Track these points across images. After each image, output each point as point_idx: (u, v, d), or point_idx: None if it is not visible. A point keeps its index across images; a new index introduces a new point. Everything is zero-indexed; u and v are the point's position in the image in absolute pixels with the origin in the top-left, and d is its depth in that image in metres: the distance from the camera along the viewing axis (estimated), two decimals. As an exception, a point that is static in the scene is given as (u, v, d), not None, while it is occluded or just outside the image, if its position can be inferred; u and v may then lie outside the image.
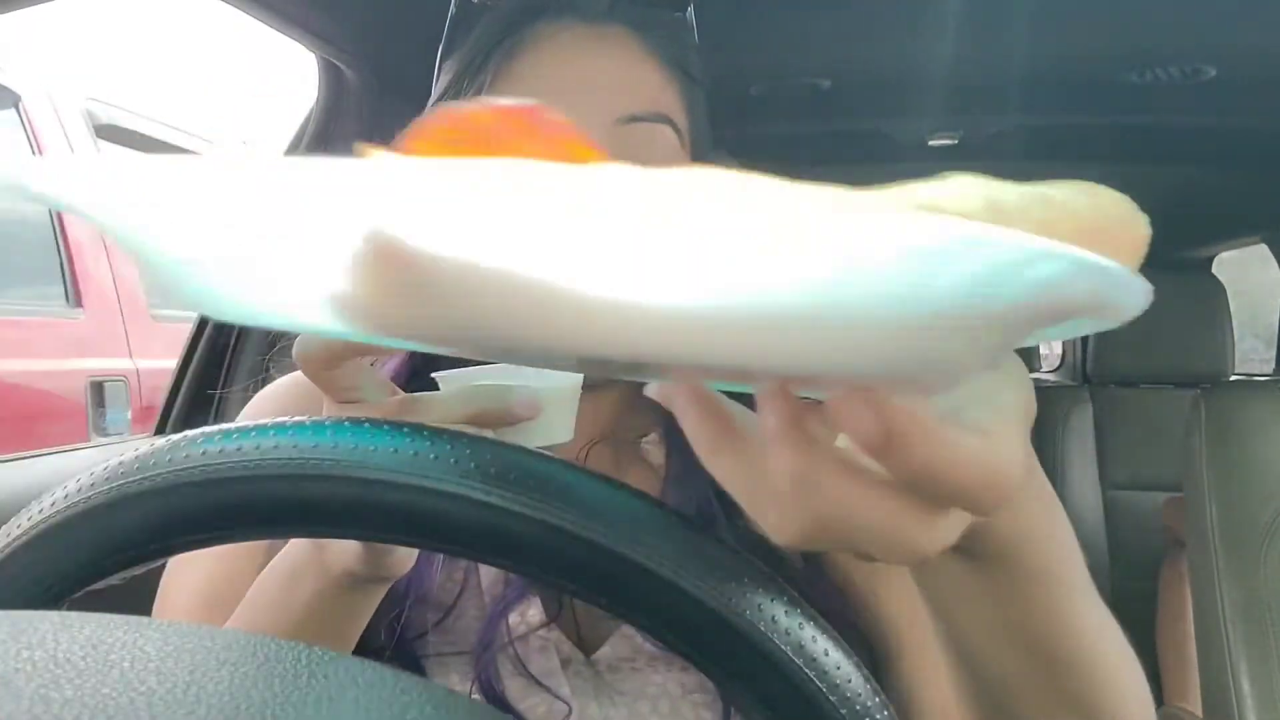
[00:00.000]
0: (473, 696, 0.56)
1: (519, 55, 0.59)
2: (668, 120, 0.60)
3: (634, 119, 0.58)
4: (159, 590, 0.62)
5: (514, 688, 0.57)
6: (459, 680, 0.57)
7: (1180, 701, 1.54)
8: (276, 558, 0.49)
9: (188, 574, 0.61)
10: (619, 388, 0.64)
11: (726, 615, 0.29)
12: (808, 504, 0.25)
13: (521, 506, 0.29)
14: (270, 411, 0.64)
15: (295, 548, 0.47)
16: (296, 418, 0.31)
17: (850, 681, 0.30)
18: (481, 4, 0.62)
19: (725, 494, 0.33)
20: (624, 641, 0.60)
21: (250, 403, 0.66)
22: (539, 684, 0.57)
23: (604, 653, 0.60)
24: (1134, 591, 1.80)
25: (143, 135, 2.91)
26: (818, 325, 0.18)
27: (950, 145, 1.79)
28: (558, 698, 0.57)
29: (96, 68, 2.93)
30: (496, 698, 0.56)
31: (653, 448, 0.66)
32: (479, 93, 0.59)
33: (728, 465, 0.27)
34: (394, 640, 0.56)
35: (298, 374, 0.66)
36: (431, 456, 0.29)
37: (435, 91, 0.64)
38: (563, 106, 0.55)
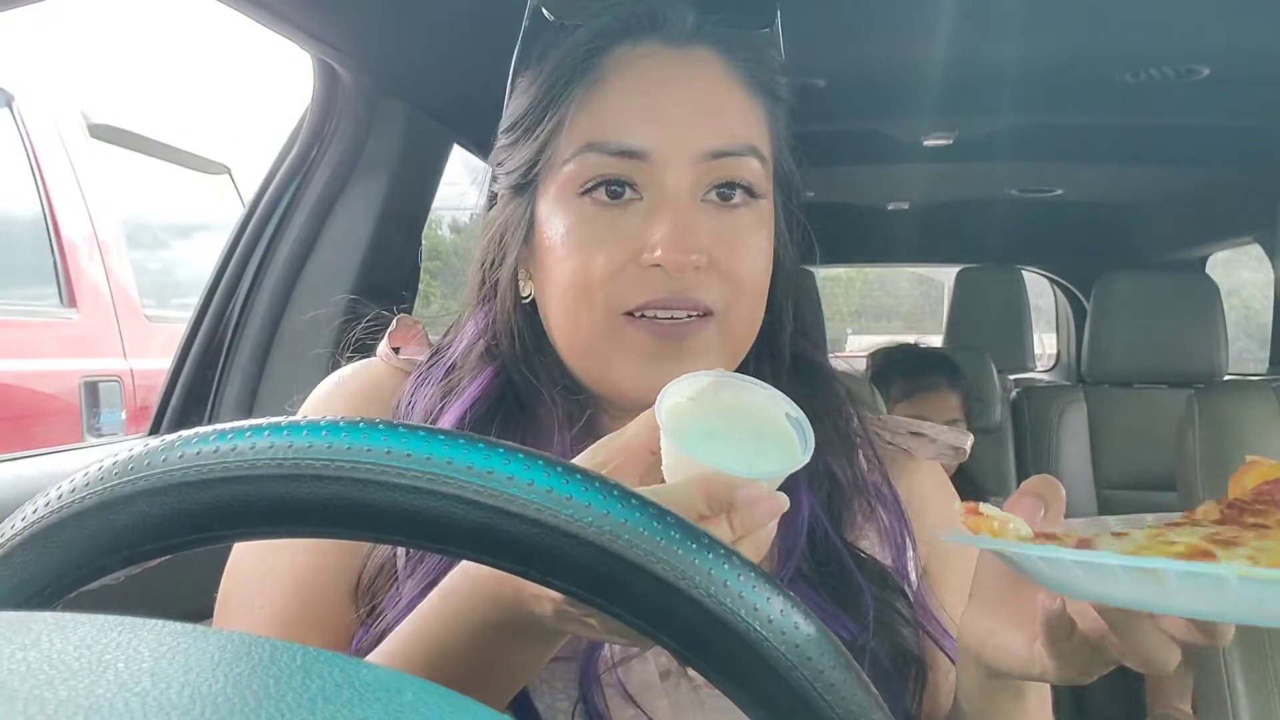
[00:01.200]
0: (575, 715, 0.56)
1: (604, 82, 0.58)
2: (754, 151, 0.60)
3: (720, 155, 0.58)
4: (225, 590, 0.61)
5: (614, 704, 0.56)
6: (563, 690, 0.56)
7: (1179, 703, 1.54)
8: (443, 597, 0.48)
9: (265, 568, 0.59)
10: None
11: (724, 618, 0.29)
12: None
13: (519, 507, 0.29)
14: (340, 400, 0.65)
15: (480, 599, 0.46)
16: (290, 418, 0.31)
17: (846, 681, 0.30)
18: (559, 23, 0.61)
19: None
20: None
21: (322, 387, 0.67)
22: (633, 701, 0.56)
23: None
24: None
25: (137, 135, 2.90)
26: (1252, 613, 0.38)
27: (945, 145, 1.79)
28: (649, 718, 0.56)
29: (91, 68, 2.92)
30: (597, 714, 0.55)
31: None
32: (560, 121, 0.58)
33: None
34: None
35: (366, 363, 0.68)
36: (425, 457, 0.29)
37: (510, 111, 0.63)
38: (651, 140, 0.57)
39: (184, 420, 1.27)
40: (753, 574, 0.30)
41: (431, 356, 0.65)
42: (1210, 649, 1.16)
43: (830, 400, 0.66)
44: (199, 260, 2.84)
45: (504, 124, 0.63)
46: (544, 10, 0.61)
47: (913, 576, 0.64)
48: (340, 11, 1.09)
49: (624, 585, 0.29)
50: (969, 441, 0.70)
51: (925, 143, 1.79)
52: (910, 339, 2.19)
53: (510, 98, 0.64)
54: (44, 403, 2.32)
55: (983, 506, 0.44)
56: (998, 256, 2.87)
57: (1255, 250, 2.39)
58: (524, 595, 0.43)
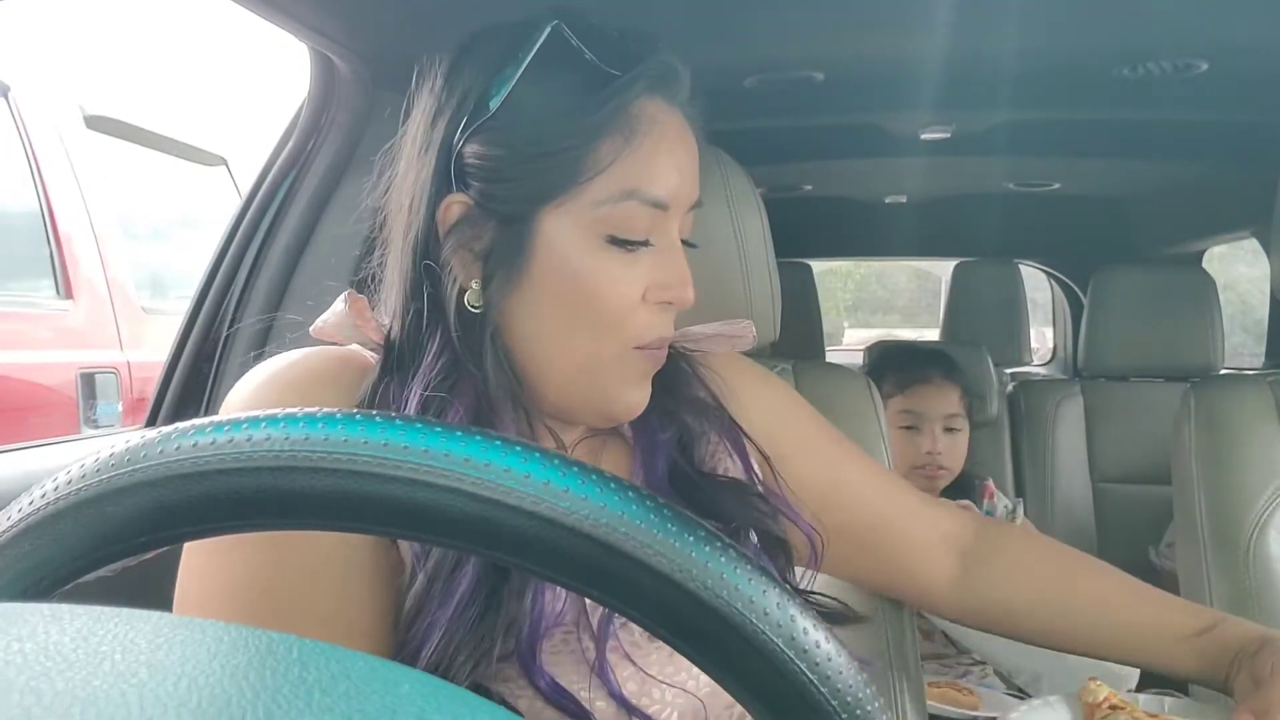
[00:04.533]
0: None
1: (640, 134, 0.63)
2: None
3: (695, 206, 0.68)
4: (181, 585, 0.61)
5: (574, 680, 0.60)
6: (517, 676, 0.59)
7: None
8: None
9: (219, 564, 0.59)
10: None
11: (720, 610, 0.29)
12: None
13: (516, 499, 0.29)
14: (249, 397, 0.63)
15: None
16: (287, 409, 0.31)
17: (842, 673, 0.30)
18: (609, 73, 0.63)
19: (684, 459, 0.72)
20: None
21: (240, 385, 0.65)
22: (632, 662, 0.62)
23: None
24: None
25: (134, 127, 2.89)
26: None
27: (943, 139, 1.79)
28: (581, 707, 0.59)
29: (88, 59, 2.91)
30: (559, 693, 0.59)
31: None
32: (598, 163, 0.62)
33: None
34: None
35: (298, 354, 0.67)
36: (423, 448, 0.29)
37: (518, 127, 0.62)
38: (673, 192, 0.64)
39: (180, 412, 1.27)
40: (750, 567, 0.30)
41: (385, 366, 0.64)
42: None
43: (676, 367, 0.75)
44: (195, 252, 2.83)
45: (514, 146, 0.62)
46: (584, 49, 0.62)
47: (756, 469, 0.76)
48: (338, 3, 1.08)
49: (621, 577, 0.30)
50: (749, 327, 0.81)
51: (922, 136, 1.79)
52: (906, 333, 2.19)
53: (509, 104, 0.63)
54: (41, 394, 2.32)
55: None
56: (995, 250, 2.87)
57: (1252, 245, 2.39)
58: None
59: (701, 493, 0.71)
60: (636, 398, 0.67)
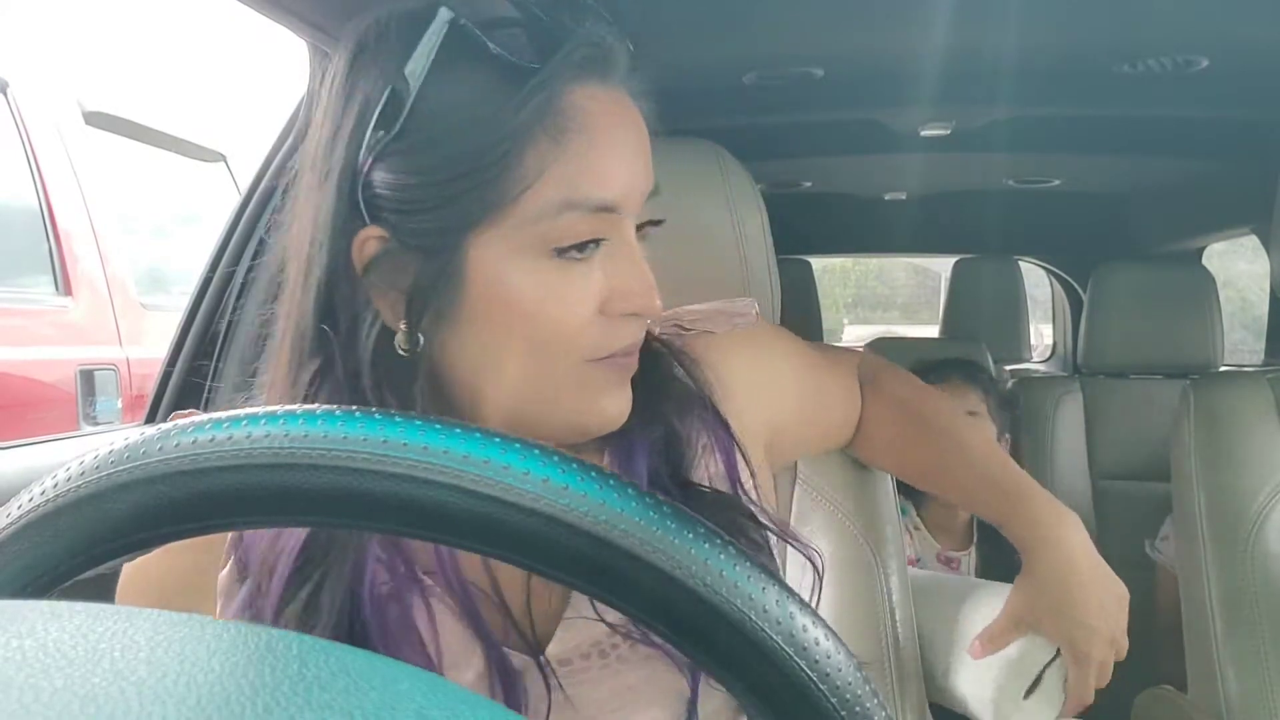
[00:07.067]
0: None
1: (569, 133, 0.54)
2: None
3: (649, 196, 0.59)
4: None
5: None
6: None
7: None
8: None
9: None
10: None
11: (720, 607, 0.29)
12: None
13: (514, 496, 0.29)
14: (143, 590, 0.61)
15: None
16: (286, 407, 0.31)
17: (841, 671, 0.30)
18: (519, 66, 0.53)
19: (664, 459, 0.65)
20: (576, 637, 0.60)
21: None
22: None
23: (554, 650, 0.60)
24: (1122, 578, 1.81)
25: (133, 123, 2.88)
26: None
27: (943, 135, 1.79)
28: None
29: (87, 55, 2.90)
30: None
31: None
32: (524, 174, 0.53)
33: None
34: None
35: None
36: (422, 445, 0.29)
37: (425, 149, 0.54)
38: (620, 191, 0.56)
39: (179, 409, 1.27)
40: (749, 564, 0.30)
41: None
42: (1199, 630, 1.17)
43: (659, 365, 0.68)
44: (195, 248, 2.83)
45: (424, 172, 0.53)
46: (487, 42, 0.53)
47: (745, 480, 0.68)
48: (336, -1, 1.08)
49: (620, 574, 0.30)
50: (751, 304, 0.75)
51: (922, 133, 1.78)
52: (906, 329, 2.19)
53: (414, 119, 0.53)
54: (40, 391, 2.32)
55: None
56: (995, 247, 2.87)
57: (1252, 241, 2.39)
58: None
59: (687, 502, 0.65)
60: (613, 407, 0.59)
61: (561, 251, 0.55)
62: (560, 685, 0.58)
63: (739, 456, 0.68)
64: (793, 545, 0.68)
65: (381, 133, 0.53)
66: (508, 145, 0.53)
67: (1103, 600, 0.79)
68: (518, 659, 0.59)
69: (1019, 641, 0.80)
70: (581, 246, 0.55)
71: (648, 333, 0.68)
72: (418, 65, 0.53)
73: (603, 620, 0.60)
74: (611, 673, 0.59)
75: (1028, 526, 0.81)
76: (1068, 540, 0.79)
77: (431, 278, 0.54)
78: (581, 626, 0.60)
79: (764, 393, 0.75)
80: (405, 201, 0.54)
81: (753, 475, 0.69)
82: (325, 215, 0.55)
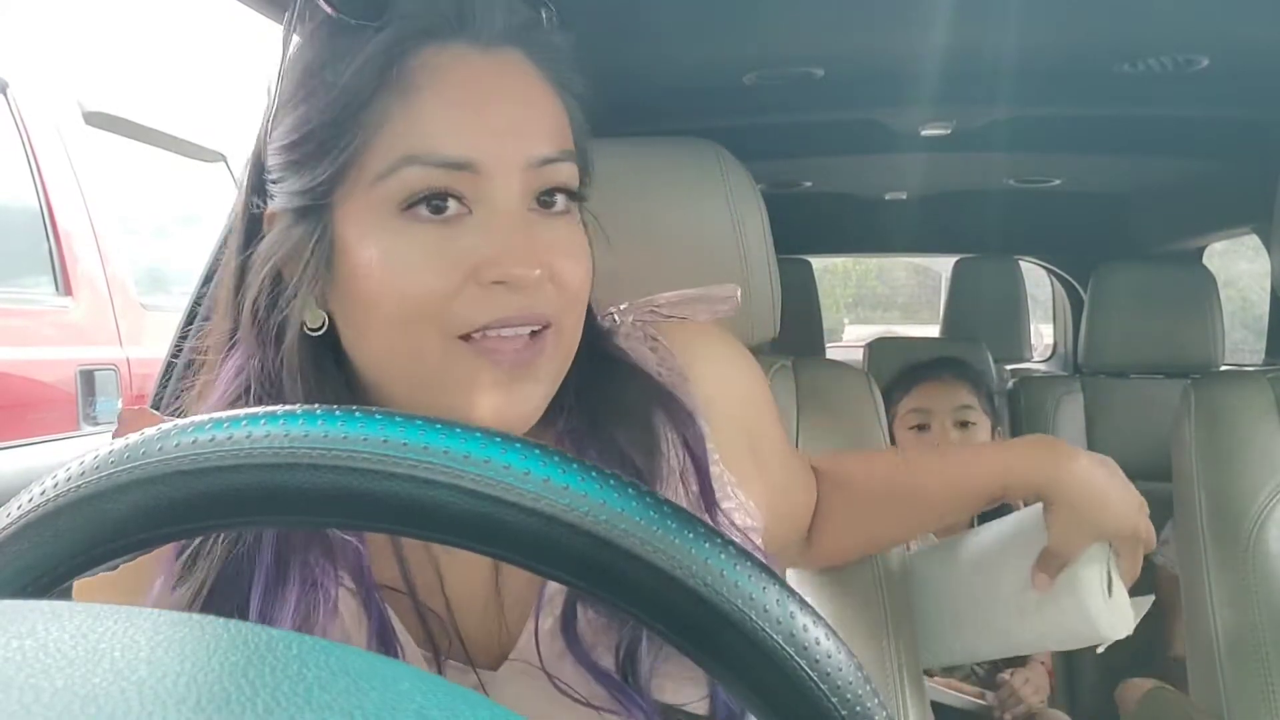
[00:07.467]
0: None
1: (416, 89, 0.54)
2: (570, 155, 0.58)
3: (545, 161, 0.56)
4: None
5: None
6: None
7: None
8: None
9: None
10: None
11: (720, 606, 0.29)
12: None
13: (515, 496, 0.29)
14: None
15: None
16: (286, 407, 0.31)
17: (842, 670, 0.30)
18: (346, 22, 0.54)
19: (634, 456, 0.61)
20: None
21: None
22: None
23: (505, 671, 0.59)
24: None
25: (134, 123, 2.88)
26: None
27: (943, 135, 1.79)
28: None
29: (87, 55, 2.90)
30: None
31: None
32: (369, 133, 0.53)
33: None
34: None
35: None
36: (422, 445, 0.29)
37: (290, 123, 0.55)
38: (478, 149, 0.54)
39: (178, 411, 1.27)
40: (749, 563, 0.30)
41: None
42: (1201, 630, 1.17)
43: (629, 391, 0.64)
44: (195, 248, 2.83)
45: (283, 136, 0.55)
46: (327, 7, 0.54)
47: (721, 501, 0.64)
48: (336, -1, 1.08)
49: (620, 574, 0.30)
50: (734, 289, 0.72)
51: (923, 132, 1.79)
52: (907, 329, 2.19)
53: (284, 102, 0.56)
54: (40, 391, 2.32)
55: None
56: (995, 247, 2.87)
57: (1252, 241, 2.39)
58: None
59: None
60: (487, 403, 0.54)
61: (407, 208, 0.53)
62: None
63: (709, 450, 0.65)
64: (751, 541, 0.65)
65: (270, 114, 0.56)
66: (349, 100, 0.53)
67: (1120, 491, 0.81)
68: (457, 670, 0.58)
69: (1077, 560, 0.83)
70: (432, 206, 0.53)
71: (608, 326, 0.66)
72: (285, 39, 0.56)
73: (545, 672, 0.57)
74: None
75: (1027, 487, 0.83)
76: (1067, 467, 0.80)
77: (309, 245, 0.55)
78: (523, 670, 0.59)
79: (741, 402, 0.71)
80: (278, 168, 0.56)
81: (714, 462, 0.65)
82: (239, 205, 0.58)
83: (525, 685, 0.58)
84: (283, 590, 0.55)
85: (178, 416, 0.60)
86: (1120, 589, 0.84)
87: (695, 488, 0.63)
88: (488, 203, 0.54)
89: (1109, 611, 0.82)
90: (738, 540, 0.60)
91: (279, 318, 0.56)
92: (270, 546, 0.55)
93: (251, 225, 0.58)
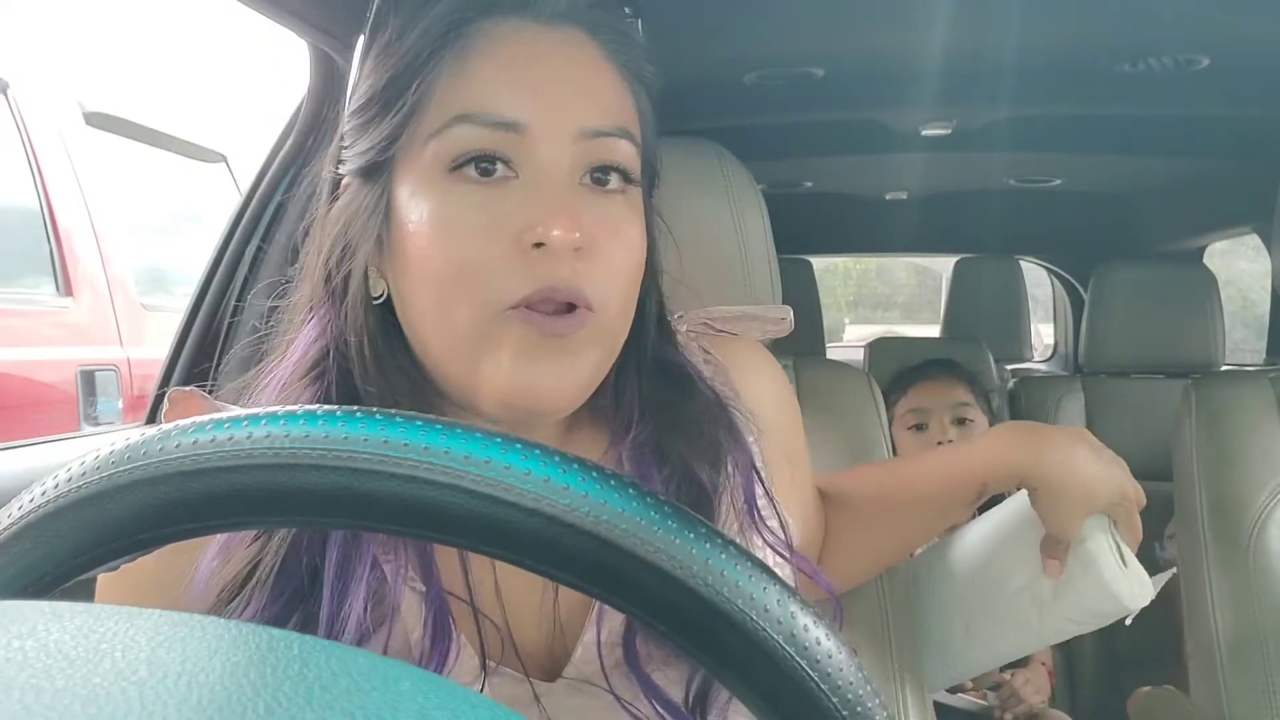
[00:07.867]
0: None
1: (474, 52, 0.55)
2: (629, 134, 0.57)
3: (598, 134, 0.55)
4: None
5: None
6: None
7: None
8: None
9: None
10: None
11: (721, 607, 0.29)
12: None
13: (515, 497, 0.29)
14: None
15: None
16: (287, 408, 0.31)
17: (842, 670, 0.30)
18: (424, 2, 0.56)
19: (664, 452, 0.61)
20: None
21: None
22: None
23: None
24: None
25: (134, 124, 2.89)
26: None
27: (944, 135, 1.79)
28: None
29: (87, 55, 2.90)
30: None
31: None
32: (425, 94, 0.55)
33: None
34: None
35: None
36: (423, 445, 0.29)
37: (361, 90, 0.58)
38: (528, 113, 0.54)
39: (181, 409, 1.27)
40: (750, 563, 0.30)
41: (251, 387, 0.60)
42: (1202, 630, 1.17)
43: (695, 405, 0.63)
44: (195, 249, 2.83)
45: (354, 104, 0.58)
46: None
47: (768, 519, 0.63)
48: (337, -1, 1.08)
49: (621, 575, 0.29)
50: (787, 312, 0.74)
51: (923, 132, 1.79)
52: (908, 329, 2.20)
53: (360, 78, 0.59)
54: (41, 391, 2.32)
55: None
56: (996, 246, 2.87)
57: (1253, 241, 2.39)
58: None
59: None
60: (523, 373, 0.53)
61: (455, 168, 0.54)
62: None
63: (755, 470, 0.64)
64: (816, 581, 0.65)
65: (351, 87, 0.59)
66: (410, 61, 0.55)
67: (1099, 461, 0.81)
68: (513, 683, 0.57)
69: (1081, 538, 0.82)
70: (480, 168, 0.53)
71: (673, 331, 0.65)
72: (368, 14, 0.58)
73: (611, 692, 0.57)
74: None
75: (1009, 478, 0.81)
76: (1042, 451, 0.79)
77: (371, 204, 0.56)
78: (578, 686, 0.58)
79: (786, 424, 0.71)
80: (351, 133, 0.58)
81: (768, 494, 0.65)
82: (324, 185, 0.61)
83: (583, 699, 0.57)
84: (348, 581, 0.54)
85: (240, 375, 0.62)
86: (1131, 556, 0.83)
87: (743, 504, 0.62)
88: (535, 167, 0.54)
89: (1126, 580, 0.81)
90: (787, 557, 0.61)
91: (344, 273, 0.57)
92: (340, 534, 0.54)
93: (333, 194, 0.61)
